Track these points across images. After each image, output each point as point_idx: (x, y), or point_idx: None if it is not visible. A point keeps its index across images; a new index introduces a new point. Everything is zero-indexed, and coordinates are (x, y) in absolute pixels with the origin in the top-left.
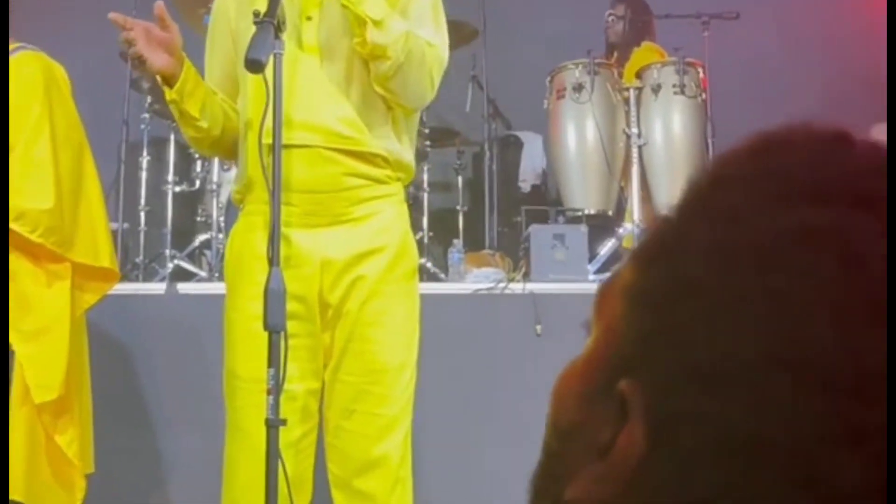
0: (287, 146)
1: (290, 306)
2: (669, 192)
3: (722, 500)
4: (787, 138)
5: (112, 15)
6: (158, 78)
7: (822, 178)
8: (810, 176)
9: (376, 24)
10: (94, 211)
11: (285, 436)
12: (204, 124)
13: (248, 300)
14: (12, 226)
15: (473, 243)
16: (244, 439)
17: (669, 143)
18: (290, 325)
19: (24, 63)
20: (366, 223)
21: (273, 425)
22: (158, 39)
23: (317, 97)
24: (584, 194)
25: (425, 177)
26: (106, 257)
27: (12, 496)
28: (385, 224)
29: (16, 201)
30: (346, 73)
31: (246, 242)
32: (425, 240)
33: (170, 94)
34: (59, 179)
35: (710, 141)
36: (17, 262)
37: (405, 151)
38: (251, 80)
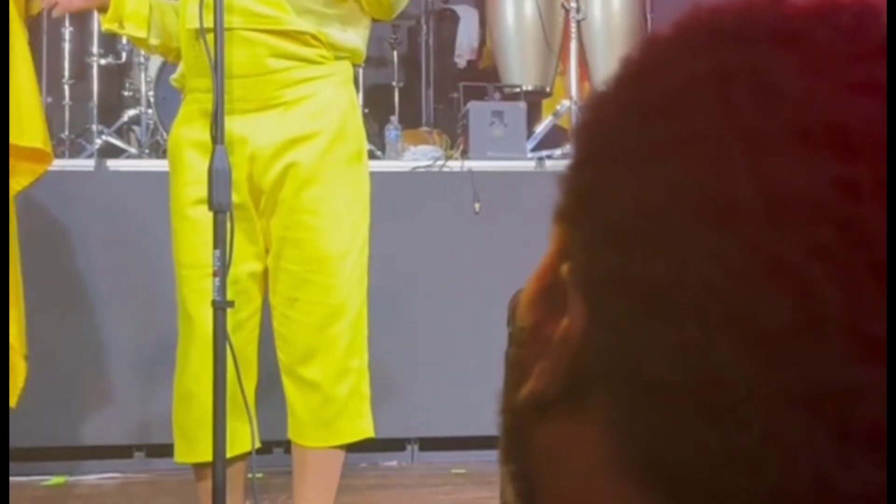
0: (209, 30)
1: None
2: (607, 68)
3: (652, 359)
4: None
5: None
6: (95, 11)
7: (744, 24)
8: (733, 24)
9: None
10: (20, 88)
11: (229, 318)
12: (155, 42)
13: (185, 186)
14: None
15: (410, 120)
16: (193, 326)
17: (608, 18)
18: None
19: None
20: (299, 107)
21: (220, 307)
22: None
23: None
24: (521, 70)
25: None
26: (36, 137)
27: None
28: (320, 107)
29: None
30: None
31: (184, 131)
32: (360, 116)
33: (106, 24)
34: None
35: (648, 16)
36: None
37: (347, 33)
38: None
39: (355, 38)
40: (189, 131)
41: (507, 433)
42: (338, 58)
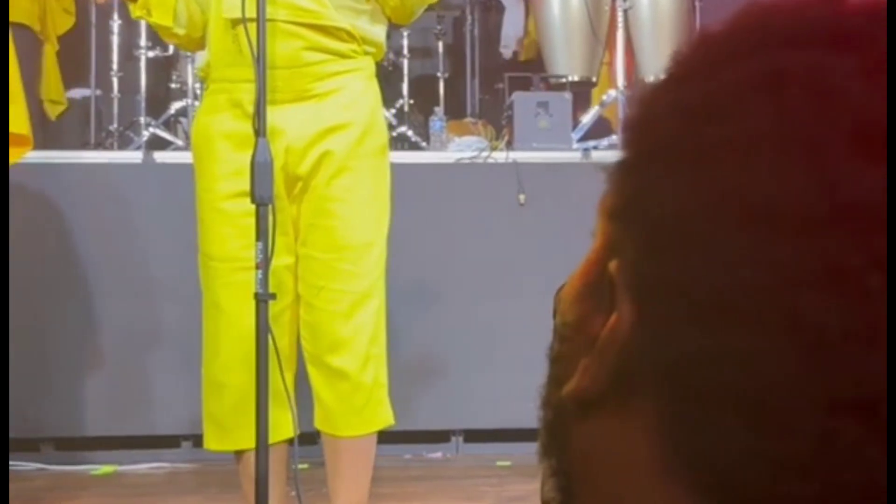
0: (249, 20)
1: None
2: (655, 57)
3: (703, 364)
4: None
5: None
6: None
7: (798, 25)
8: (787, 24)
9: None
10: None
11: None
12: (180, 31)
13: (218, 179)
14: None
15: (455, 111)
16: (222, 318)
17: (655, 6)
18: None
19: None
20: (331, 98)
21: (262, 300)
22: None
23: None
24: (567, 60)
25: (405, 42)
26: (19, 122)
27: None
28: (351, 99)
29: None
30: None
31: (211, 122)
32: (406, 107)
33: (135, 12)
34: None
35: (697, 4)
36: None
37: (375, 27)
38: None
39: (381, 33)
40: (218, 122)
41: (548, 428)
42: (366, 52)
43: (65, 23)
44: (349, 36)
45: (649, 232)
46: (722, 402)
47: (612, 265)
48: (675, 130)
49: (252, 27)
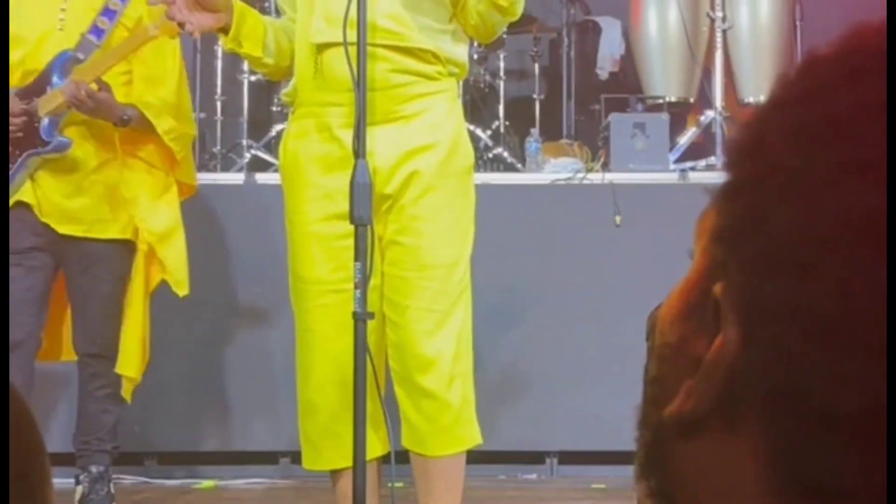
0: (335, 44)
1: (346, 206)
2: (755, 78)
3: (819, 388)
4: (884, 23)
5: None
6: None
7: None
8: None
9: None
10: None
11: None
12: (269, 61)
13: (308, 203)
14: (168, 142)
15: (551, 132)
16: (313, 340)
17: (756, 26)
18: (345, 225)
19: None
20: (417, 120)
21: (361, 319)
22: None
23: None
24: (664, 81)
25: (501, 64)
26: (194, 175)
27: (133, 374)
28: (436, 120)
29: (173, 123)
30: None
31: (300, 146)
32: (501, 129)
33: (226, 44)
34: None
35: (798, 24)
36: (142, 175)
37: (458, 47)
38: None
39: (464, 52)
40: (306, 146)
41: (646, 449)
42: (450, 73)
43: None
44: (434, 58)
45: (759, 254)
46: (835, 424)
47: (718, 287)
48: (788, 153)
49: (340, 51)
